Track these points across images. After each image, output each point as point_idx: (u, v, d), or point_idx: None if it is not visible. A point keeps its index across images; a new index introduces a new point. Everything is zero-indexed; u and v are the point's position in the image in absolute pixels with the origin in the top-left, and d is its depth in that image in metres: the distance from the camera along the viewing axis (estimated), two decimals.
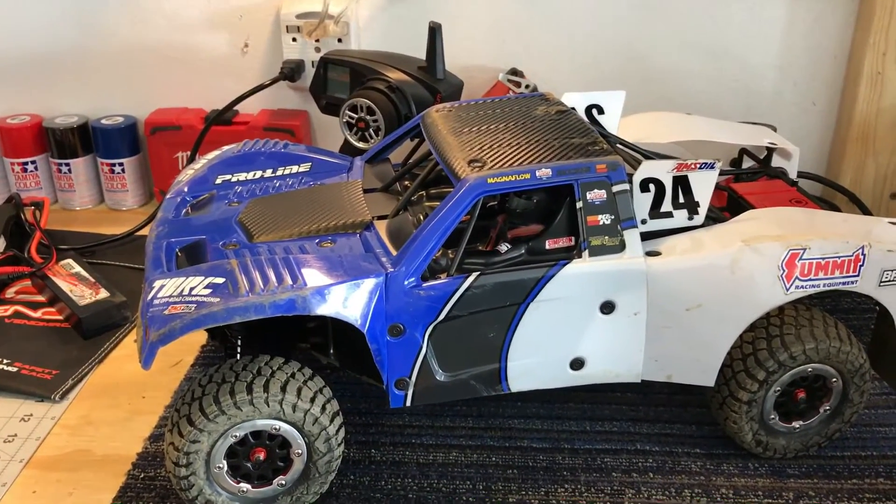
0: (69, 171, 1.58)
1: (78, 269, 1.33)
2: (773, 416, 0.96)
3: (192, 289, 0.84)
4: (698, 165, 0.93)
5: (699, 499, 0.94)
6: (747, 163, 1.26)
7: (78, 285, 1.29)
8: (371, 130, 1.30)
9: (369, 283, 0.86)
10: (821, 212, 1.03)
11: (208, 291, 0.83)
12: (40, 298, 1.31)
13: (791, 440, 0.98)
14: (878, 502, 0.93)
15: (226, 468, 0.87)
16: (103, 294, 1.26)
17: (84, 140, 1.58)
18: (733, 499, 0.94)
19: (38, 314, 1.28)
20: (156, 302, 0.84)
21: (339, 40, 1.49)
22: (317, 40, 1.49)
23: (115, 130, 1.56)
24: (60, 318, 1.27)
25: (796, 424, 0.97)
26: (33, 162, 1.59)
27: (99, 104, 1.60)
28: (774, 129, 1.33)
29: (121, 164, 1.58)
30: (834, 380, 0.95)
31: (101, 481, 0.97)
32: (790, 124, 1.50)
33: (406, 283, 0.88)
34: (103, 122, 1.57)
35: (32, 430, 1.05)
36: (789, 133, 1.33)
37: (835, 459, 0.99)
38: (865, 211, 1.39)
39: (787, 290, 0.91)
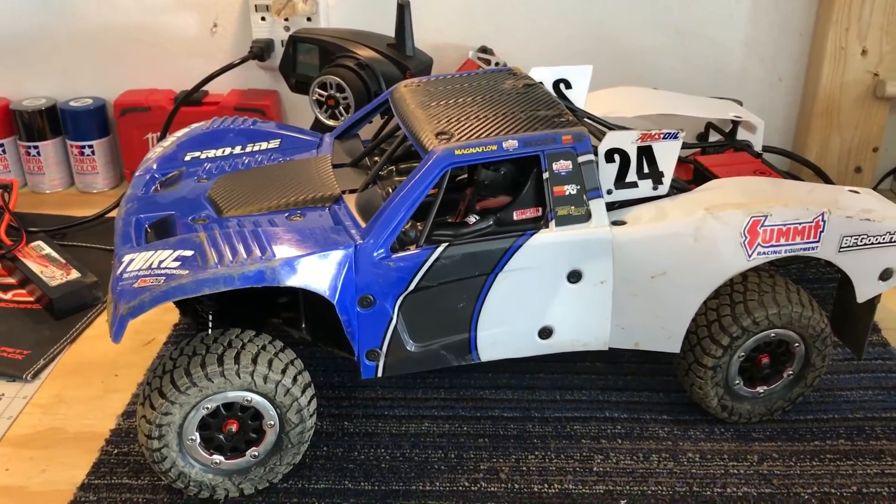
0: (38, 153, 1.57)
1: (48, 250, 1.33)
2: (737, 382, 0.98)
3: (161, 262, 0.84)
4: (662, 136, 0.94)
5: (666, 463, 0.95)
6: (713, 136, 1.28)
7: (49, 266, 1.28)
8: (341, 108, 1.30)
9: (338, 255, 0.87)
10: (782, 181, 1.05)
11: (177, 264, 0.83)
12: (10, 280, 1.31)
13: (755, 405, 1.00)
14: (839, 462, 0.95)
15: (198, 440, 0.88)
16: (74, 275, 1.26)
17: (53, 122, 1.56)
18: (700, 463, 0.96)
19: (8, 296, 1.27)
20: (125, 276, 0.84)
21: (309, 19, 1.49)
22: (286, 19, 1.49)
23: (83, 112, 1.55)
24: (31, 299, 1.26)
25: (760, 389, 0.99)
26: (1, 145, 1.57)
27: (67, 86, 1.59)
28: (741, 104, 1.35)
29: (90, 147, 1.57)
30: (796, 345, 0.97)
31: (75, 458, 0.97)
32: (757, 100, 1.52)
33: (375, 254, 0.88)
34: (72, 104, 1.56)
35: (4, 409, 1.05)
36: (756, 108, 1.35)
37: (798, 423, 1.01)
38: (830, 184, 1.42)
39: (750, 256, 0.93)
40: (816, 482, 0.92)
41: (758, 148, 1.24)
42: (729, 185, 1.00)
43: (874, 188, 1.58)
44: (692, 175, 1.16)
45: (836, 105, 1.51)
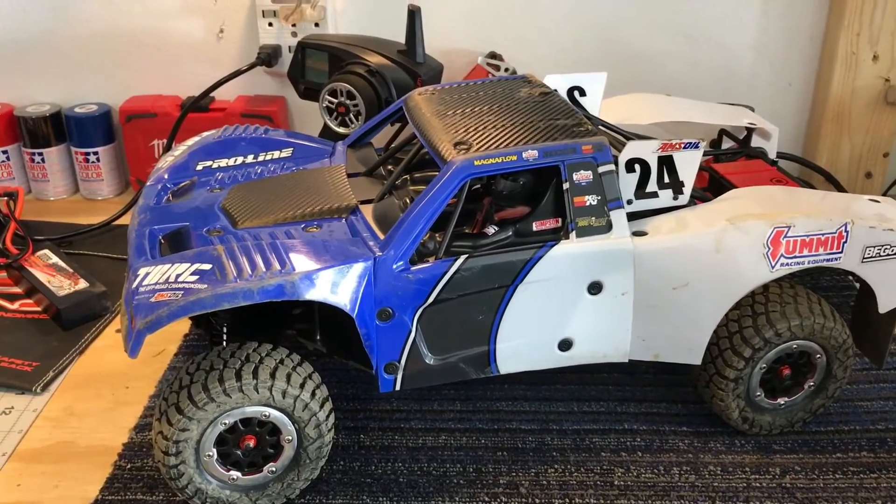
0: (42, 160, 1.55)
1: (55, 259, 1.31)
2: (758, 393, 0.97)
3: (178, 276, 0.83)
4: (683, 145, 0.93)
5: (688, 476, 0.94)
6: (726, 143, 1.27)
7: (56, 276, 1.27)
8: (351, 115, 1.29)
9: (358, 268, 0.86)
10: (803, 190, 1.05)
11: (195, 278, 0.82)
12: (17, 290, 1.29)
13: (776, 416, 0.99)
14: (862, 475, 0.94)
15: (215, 456, 0.87)
16: (82, 284, 1.24)
17: (57, 129, 1.55)
18: (721, 475, 0.94)
19: (15, 306, 1.26)
20: (141, 289, 0.83)
21: (316, 24, 1.48)
22: (293, 25, 1.48)
23: (88, 119, 1.54)
24: (39, 309, 1.25)
25: (781, 401, 0.98)
26: (5, 151, 1.56)
27: (72, 92, 1.57)
28: (752, 110, 1.34)
29: (95, 153, 1.55)
30: (818, 356, 0.96)
31: (87, 473, 0.96)
32: (767, 105, 1.50)
33: (394, 266, 0.87)
34: (77, 110, 1.54)
35: (14, 422, 1.04)
36: (766, 114, 1.34)
37: (819, 434, 1.00)
38: (841, 190, 1.41)
39: (773, 267, 0.92)
40: (840, 496, 0.91)
41: (772, 155, 1.23)
42: (750, 195, 0.99)
43: (884, 193, 1.58)
44: (707, 183, 1.15)
45: (847, 110, 1.50)
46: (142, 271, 0.85)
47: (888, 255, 0.94)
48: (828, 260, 0.93)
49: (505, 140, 0.92)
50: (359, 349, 0.90)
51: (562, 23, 1.52)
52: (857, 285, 1.01)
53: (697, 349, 0.95)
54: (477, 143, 0.91)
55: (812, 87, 1.54)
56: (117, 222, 1.46)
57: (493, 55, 1.49)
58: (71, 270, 1.28)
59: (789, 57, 1.53)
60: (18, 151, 1.57)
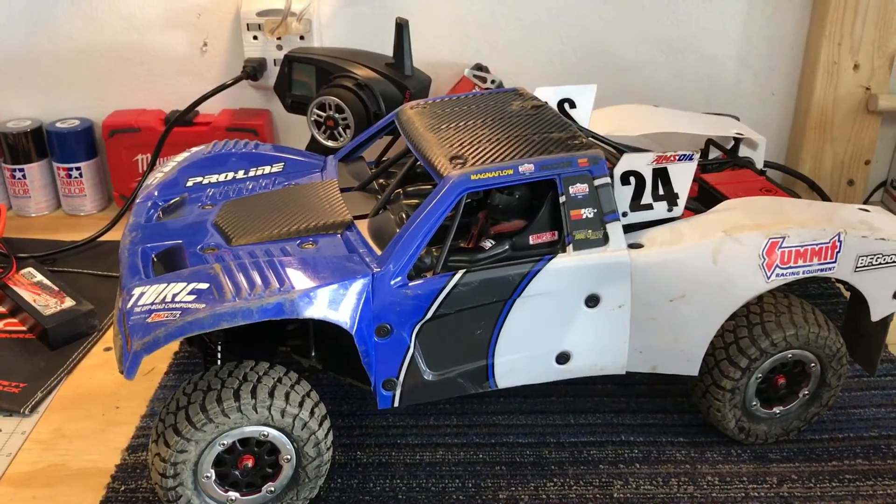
0: (23, 176, 1.53)
1: (40, 277, 1.29)
2: (754, 403, 0.97)
3: (174, 295, 0.82)
4: (677, 157, 0.94)
5: (686, 487, 0.95)
6: (713, 153, 1.28)
7: (41, 294, 1.25)
8: (340, 128, 1.28)
9: (357, 285, 0.85)
10: (794, 200, 1.05)
11: (193, 297, 0.81)
12: (1, 309, 1.27)
13: (772, 425, 0.99)
14: (859, 482, 0.95)
15: (213, 477, 0.85)
16: (69, 303, 1.22)
17: (38, 144, 1.53)
18: (719, 486, 0.95)
19: None
20: (136, 310, 0.82)
21: (302, 38, 1.47)
22: (278, 38, 1.47)
23: (70, 134, 1.52)
24: (24, 328, 1.22)
25: (777, 410, 0.99)
26: None
27: (53, 107, 1.55)
28: (737, 119, 1.35)
29: (78, 169, 1.53)
30: (812, 365, 0.97)
31: (80, 496, 0.94)
32: (750, 114, 1.52)
33: (393, 282, 0.87)
34: (58, 125, 1.52)
35: (3, 445, 1.02)
36: (749, 123, 1.36)
37: (814, 442, 1.01)
38: (825, 198, 1.43)
39: (768, 278, 0.92)
40: None
41: (759, 165, 1.24)
42: (743, 206, 0.99)
43: (865, 200, 1.60)
44: (697, 193, 1.16)
45: (829, 119, 1.52)
46: (136, 291, 0.84)
47: (880, 264, 0.95)
48: (822, 270, 0.94)
49: (500, 154, 0.92)
50: (355, 365, 0.90)
51: (547, 34, 1.52)
52: (847, 293, 1.02)
53: (695, 360, 0.95)
54: (472, 158, 0.91)
55: (794, 96, 1.56)
56: (102, 238, 1.44)
57: (479, 67, 1.49)
58: (56, 289, 1.26)
59: (772, 67, 1.54)
60: None
